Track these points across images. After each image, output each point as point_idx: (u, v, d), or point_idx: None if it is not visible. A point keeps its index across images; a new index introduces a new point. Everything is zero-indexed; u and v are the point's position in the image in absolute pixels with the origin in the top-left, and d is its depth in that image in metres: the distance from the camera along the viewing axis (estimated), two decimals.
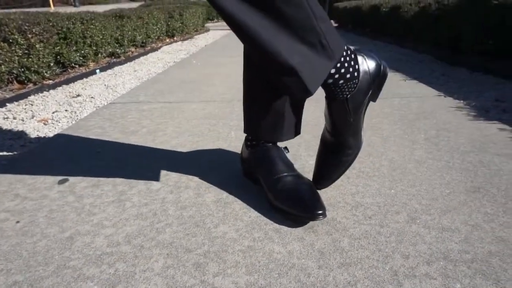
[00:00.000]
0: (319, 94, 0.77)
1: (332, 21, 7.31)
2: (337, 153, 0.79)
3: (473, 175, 0.92)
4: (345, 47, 0.69)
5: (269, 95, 0.80)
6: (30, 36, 2.10)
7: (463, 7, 2.60)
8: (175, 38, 4.94)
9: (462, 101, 1.62)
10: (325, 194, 0.84)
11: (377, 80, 0.74)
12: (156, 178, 0.96)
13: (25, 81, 2.13)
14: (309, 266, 0.62)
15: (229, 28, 0.62)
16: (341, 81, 0.70)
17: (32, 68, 2.12)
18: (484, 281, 0.57)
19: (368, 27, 5.14)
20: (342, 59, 0.69)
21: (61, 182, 0.95)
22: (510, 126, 1.27)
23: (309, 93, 0.65)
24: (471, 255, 0.63)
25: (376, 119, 1.38)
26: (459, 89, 1.87)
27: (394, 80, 2.09)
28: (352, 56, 0.71)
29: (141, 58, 3.50)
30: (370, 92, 0.74)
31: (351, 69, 0.70)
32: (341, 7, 6.59)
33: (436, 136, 1.19)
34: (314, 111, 1.50)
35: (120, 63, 3.11)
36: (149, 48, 3.92)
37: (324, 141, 0.82)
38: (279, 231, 0.72)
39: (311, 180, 0.84)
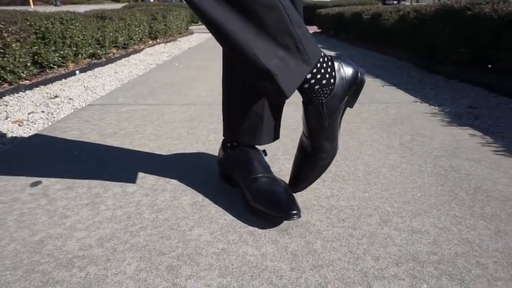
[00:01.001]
0: (300, 99, 0.78)
1: (315, 26, 7.40)
2: (312, 157, 0.80)
3: (444, 179, 0.94)
4: (322, 54, 0.71)
5: (248, 99, 0.81)
6: (6, 35, 2.04)
7: (439, 17, 2.68)
8: (158, 40, 4.91)
9: (437, 107, 1.66)
10: (300, 197, 0.85)
11: (353, 87, 0.76)
12: (132, 180, 0.95)
13: (0, 81, 2.07)
14: (281, 268, 0.63)
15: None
16: (317, 87, 0.71)
17: (8, 68, 2.06)
18: (449, 282, 0.59)
19: (350, 33, 5.23)
20: (319, 65, 0.70)
21: (33, 185, 0.93)
22: (481, 132, 1.31)
23: (284, 96, 0.66)
24: (438, 256, 0.65)
25: (354, 124, 1.41)
26: (435, 96, 1.93)
27: (373, 86, 2.14)
28: (329, 63, 0.72)
29: (123, 59, 3.46)
30: (346, 98, 0.76)
31: (327, 75, 0.72)
32: (323, 13, 6.68)
33: (411, 141, 1.22)
34: (294, 115, 1.51)
35: (101, 65, 3.06)
36: (131, 49, 3.88)
37: (301, 145, 0.83)
38: (254, 233, 0.72)
39: (288, 183, 0.85)
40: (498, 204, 0.82)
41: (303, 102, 0.76)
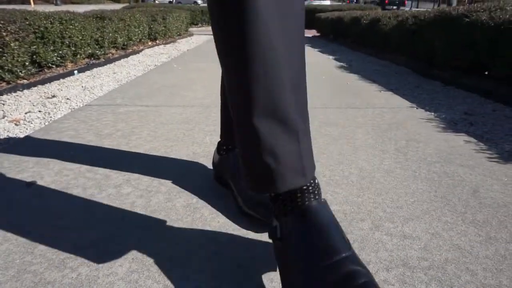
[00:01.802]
0: None
1: (314, 30, 7.43)
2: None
3: (437, 185, 0.95)
4: None
5: None
6: (4, 34, 2.05)
7: (438, 24, 2.70)
8: (157, 42, 4.91)
9: (433, 113, 1.67)
10: None
11: None
12: (127, 182, 0.95)
13: None
14: (273, 271, 0.63)
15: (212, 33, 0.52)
16: (315, 181, 0.57)
17: (6, 67, 2.06)
18: (438, 287, 0.60)
19: (349, 38, 5.25)
20: None
21: (28, 184, 0.93)
22: (476, 138, 1.32)
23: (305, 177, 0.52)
24: (428, 262, 0.66)
25: (349, 128, 1.41)
26: (431, 102, 1.94)
27: (370, 91, 2.15)
28: None
29: (122, 60, 3.47)
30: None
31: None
32: (323, 17, 6.71)
33: (406, 146, 1.23)
34: None
35: (100, 65, 3.07)
36: (130, 50, 3.89)
37: None
38: (246, 237, 0.73)
39: None
40: (490, 211, 0.83)
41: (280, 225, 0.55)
